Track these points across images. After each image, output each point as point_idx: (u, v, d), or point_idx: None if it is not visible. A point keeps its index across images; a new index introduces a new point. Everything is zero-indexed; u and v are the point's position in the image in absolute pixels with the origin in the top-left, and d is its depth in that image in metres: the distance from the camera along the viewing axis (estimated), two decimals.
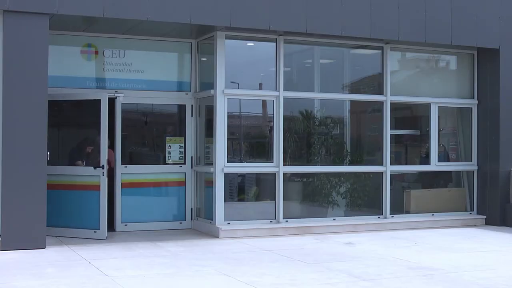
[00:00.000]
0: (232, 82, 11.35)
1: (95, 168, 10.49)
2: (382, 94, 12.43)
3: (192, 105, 11.86)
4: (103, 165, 10.45)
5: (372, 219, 12.23)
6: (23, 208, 9.40)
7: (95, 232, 10.46)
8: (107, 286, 7.24)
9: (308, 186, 12.33)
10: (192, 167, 11.80)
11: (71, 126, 11.38)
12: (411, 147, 13.52)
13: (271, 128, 11.65)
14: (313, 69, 12.69)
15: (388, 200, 12.36)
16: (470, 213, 13.19)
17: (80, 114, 11.12)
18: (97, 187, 10.47)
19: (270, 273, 8.02)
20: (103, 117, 10.43)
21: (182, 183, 11.83)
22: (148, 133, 12.35)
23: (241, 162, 11.79)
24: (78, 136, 11.34)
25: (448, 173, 13.45)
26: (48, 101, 9.68)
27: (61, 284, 7.30)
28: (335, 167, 12.30)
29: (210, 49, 11.37)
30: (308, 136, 12.28)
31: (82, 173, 10.62)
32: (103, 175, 10.45)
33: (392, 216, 12.38)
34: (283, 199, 11.58)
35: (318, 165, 12.18)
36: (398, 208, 12.73)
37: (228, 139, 11.27)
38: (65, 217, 10.59)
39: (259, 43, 11.70)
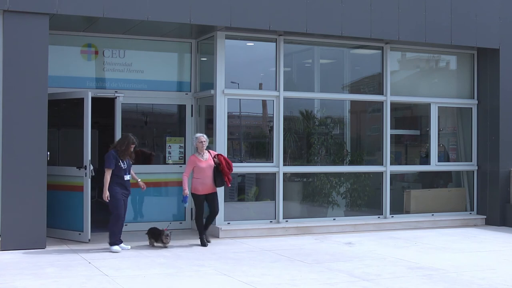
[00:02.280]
0: (232, 82, 11.35)
1: (78, 168, 10.19)
2: (382, 94, 12.43)
3: (192, 105, 11.86)
4: (85, 166, 10.08)
5: (372, 219, 12.23)
6: (23, 208, 9.40)
7: (79, 234, 10.24)
8: (107, 286, 7.24)
9: (308, 186, 12.33)
10: None
11: (56, 125, 10.76)
12: (411, 147, 13.53)
13: (271, 128, 11.65)
14: (313, 69, 12.69)
15: (388, 200, 12.37)
16: (470, 213, 13.19)
17: (66, 113, 10.78)
18: (81, 188, 10.17)
19: (270, 273, 8.03)
20: (86, 115, 10.08)
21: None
22: (148, 133, 12.35)
23: (241, 162, 11.79)
24: (67, 136, 10.94)
25: (448, 173, 13.45)
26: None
27: (61, 284, 7.30)
28: (335, 167, 12.30)
29: (210, 49, 11.38)
30: (308, 136, 12.28)
31: (68, 173, 10.34)
32: (86, 176, 10.12)
33: (392, 216, 12.38)
34: (283, 199, 11.58)
35: (318, 165, 12.19)
36: (398, 208, 12.73)
37: (228, 139, 11.28)
38: (54, 217, 10.32)
39: (259, 43, 11.70)
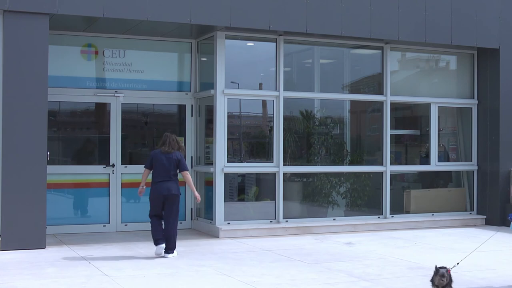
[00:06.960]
0: (232, 82, 11.35)
1: (104, 167, 11.20)
2: (382, 94, 12.43)
3: (192, 105, 11.86)
4: (113, 164, 11.17)
5: (372, 219, 12.23)
6: (23, 208, 9.40)
7: (104, 226, 11.26)
8: (107, 286, 7.24)
9: (308, 186, 12.34)
10: (192, 167, 11.79)
11: (82, 128, 12.03)
12: (411, 147, 13.53)
13: (271, 128, 11.65)
14: (313, 69, 12.69)
15: (388, 200, 12.37)
16: (470, 213, 13.19)
17: (91, 116, 11.91)
18: (107, 184, 11.24)
19: (270, 273, 8.03)
20: (114, 118, 11.30)
21: (182, 183, 11.76)
22: (148, 133, 12.35)
23: (241, 162, 11.79)
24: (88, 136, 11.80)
25: (448, 173, 13.45)
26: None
27: (61, 284, 7.31)
28: (335, 167, 12.30)
29: (210, 49, 11.38)
30: (308, 136, 12.28)
31: (93, 171, 11.32)
32: (112, 173, 11.16)
33: (392, 216, 12.38)
34: (283, 199, 11.58)
35: (318, 165, 12.19)
36: (398, 208, 12.73)
37: (228, 139, 11.28)
38: (81, 212, 11.40)
39: (259, 43, 11.70)
